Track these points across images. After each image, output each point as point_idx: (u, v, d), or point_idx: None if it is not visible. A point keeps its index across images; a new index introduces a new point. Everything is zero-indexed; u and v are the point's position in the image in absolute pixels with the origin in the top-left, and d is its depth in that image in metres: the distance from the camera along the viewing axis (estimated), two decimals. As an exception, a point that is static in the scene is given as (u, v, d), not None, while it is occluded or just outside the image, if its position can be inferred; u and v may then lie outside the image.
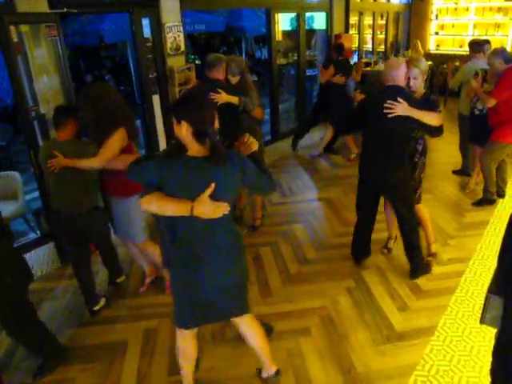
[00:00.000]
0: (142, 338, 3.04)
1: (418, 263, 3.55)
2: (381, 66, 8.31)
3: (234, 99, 3.66)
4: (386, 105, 3.05)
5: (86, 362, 2.86)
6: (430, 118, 3.10)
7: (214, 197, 1.94)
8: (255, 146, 2.16)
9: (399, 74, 3.13)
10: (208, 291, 2.17)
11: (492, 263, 3.63)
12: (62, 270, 3.90)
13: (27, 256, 4.05)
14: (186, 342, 2.38)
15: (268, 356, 2.51)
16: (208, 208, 1.94)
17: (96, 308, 3.31)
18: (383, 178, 3.35)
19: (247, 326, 2.41)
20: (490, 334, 1.55)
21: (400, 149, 3.24)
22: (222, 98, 3.60)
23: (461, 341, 2.88)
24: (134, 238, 3.30)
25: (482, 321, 1.67)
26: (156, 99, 5.04)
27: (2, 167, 5.94)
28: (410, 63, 3.24)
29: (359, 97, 3.53)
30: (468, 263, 3.72)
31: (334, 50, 6.39)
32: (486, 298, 1.62)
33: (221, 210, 1.98)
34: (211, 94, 3.53)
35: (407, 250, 3.55)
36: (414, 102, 3.09)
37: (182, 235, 2.08)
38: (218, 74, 3.75)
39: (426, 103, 3.23)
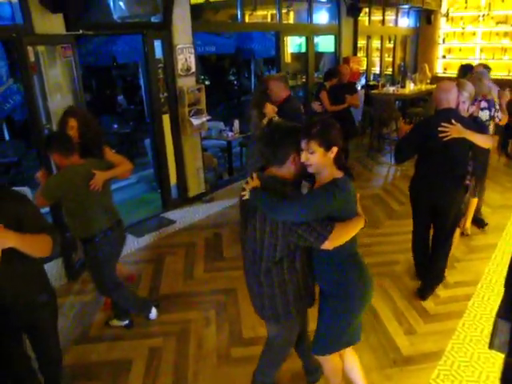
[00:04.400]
0: (146, 356, 3.02)
1: (432, 286, 3.58)
2: (389, 89, 8.37)
3: None
4: (440, 128, 3.05)
5: (91, 380, 2.85)
6: (482, 140, 3.17)
7: None
8: None
9: (452, 96, 3.15)
10: None
11: (500, 287, 3.57)
12: (69, 286, 3.90)
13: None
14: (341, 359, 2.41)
15: None
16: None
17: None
18: (441, 199, 3.34)
19: None
20: (499, 359, 1.53)
21: (459, 170, 3.28)
22: None
23: (469, 366, 2.84)
24: None
25: (490, 346, 1.65)
26: (166, 119, 5.13)
27: (14, 182, 6.02)
28: (459, 87, 3.27)
29: (405, 127, 3.52)
30: (476, 287, 3.68)
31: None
32: (495, 323, 1.61)
33: None
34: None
35: (430, 270, 3.58)
36: (467, 124, 3.12)
37: (355, 251, 2.14)
38: None
39: (475, 125, 3.28)
